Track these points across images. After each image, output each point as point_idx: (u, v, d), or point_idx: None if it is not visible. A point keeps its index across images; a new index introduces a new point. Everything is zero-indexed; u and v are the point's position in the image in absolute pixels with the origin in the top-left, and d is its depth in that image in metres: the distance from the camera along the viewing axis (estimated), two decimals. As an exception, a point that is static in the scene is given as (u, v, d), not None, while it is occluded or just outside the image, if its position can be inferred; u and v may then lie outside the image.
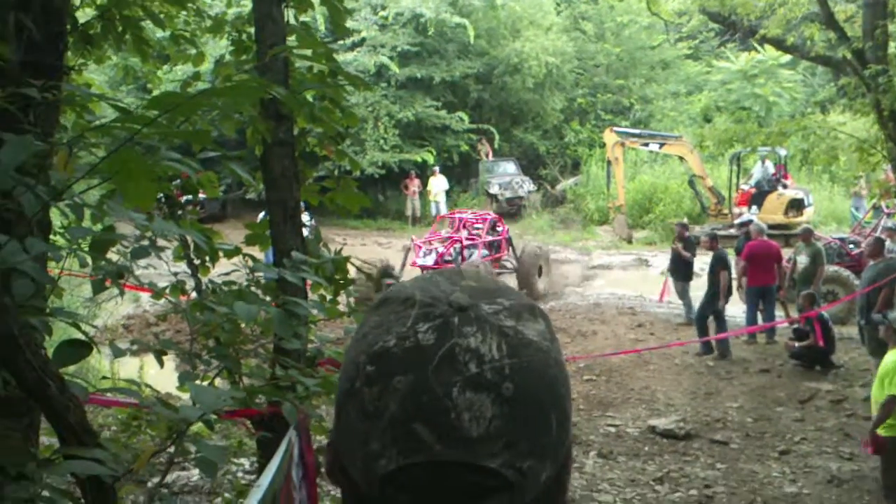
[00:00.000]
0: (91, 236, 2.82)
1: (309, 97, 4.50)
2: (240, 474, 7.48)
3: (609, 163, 21.75)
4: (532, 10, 27.95)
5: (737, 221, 17.17)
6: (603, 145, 23.15)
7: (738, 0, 13.62)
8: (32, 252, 2.00)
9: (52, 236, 2.84)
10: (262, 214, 16.06)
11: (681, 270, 13.36)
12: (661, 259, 17.52)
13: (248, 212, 22.30)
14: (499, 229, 16.93)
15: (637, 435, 9.09)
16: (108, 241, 2.85)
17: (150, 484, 5.81)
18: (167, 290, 3.35)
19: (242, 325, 3.36)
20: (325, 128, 4.55)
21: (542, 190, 26.65)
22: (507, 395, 0.70)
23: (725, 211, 20.07)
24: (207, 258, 3.70)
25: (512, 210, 24.75)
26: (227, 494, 6.89)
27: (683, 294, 13.56)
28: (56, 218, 2.69)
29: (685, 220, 15.54)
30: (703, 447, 8.69)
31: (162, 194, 4.54)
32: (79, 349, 2.19)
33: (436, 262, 14.14)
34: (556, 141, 28.75)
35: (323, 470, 4.80)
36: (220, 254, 3.53)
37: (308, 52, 4.11)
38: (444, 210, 23.56)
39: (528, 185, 26.04)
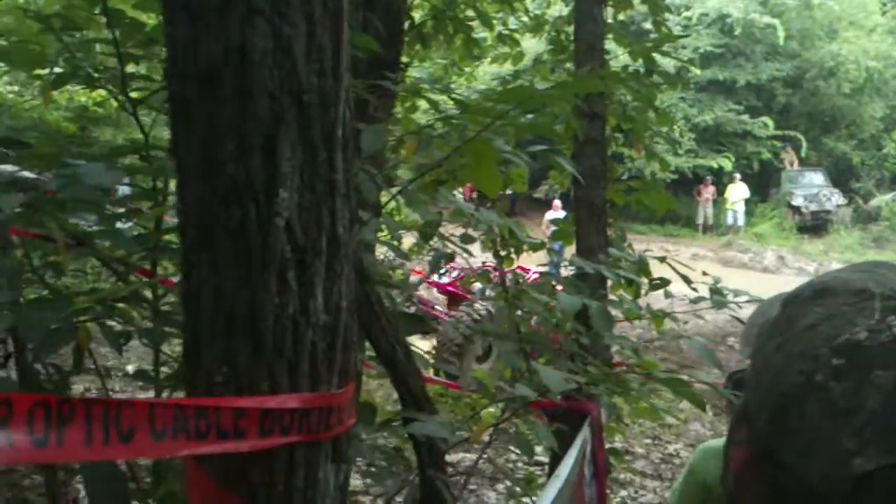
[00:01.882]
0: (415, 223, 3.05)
1: (623, 96, 4.50)
2: (519, 465, 7.64)
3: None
4: (853, 9, 25.66)
5: None
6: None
7: None
8: (369, 235, 2.20)
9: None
10: (549, 213, 16.16)
11: None
12: None
13: (534, 210, 22.75)
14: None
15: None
16: (435, 224, 3.07)
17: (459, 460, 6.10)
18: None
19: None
20: (637, 127, 4.53)
21: (853, 204, 24.36)
22: None
23: None
24: (513, 250, 3.83)
25: (817, 224, 22.92)
26: (507, 482, 7.07)
27: None
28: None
29: None
30: None
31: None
32: (415, 323, 2.38)
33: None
34: (872, 152, 26.16)
35: (611, 469, 4.77)
36: (525, 247, 3.64)
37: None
38: (741, 220, 22.38)
39: (836, 199, 23.95)
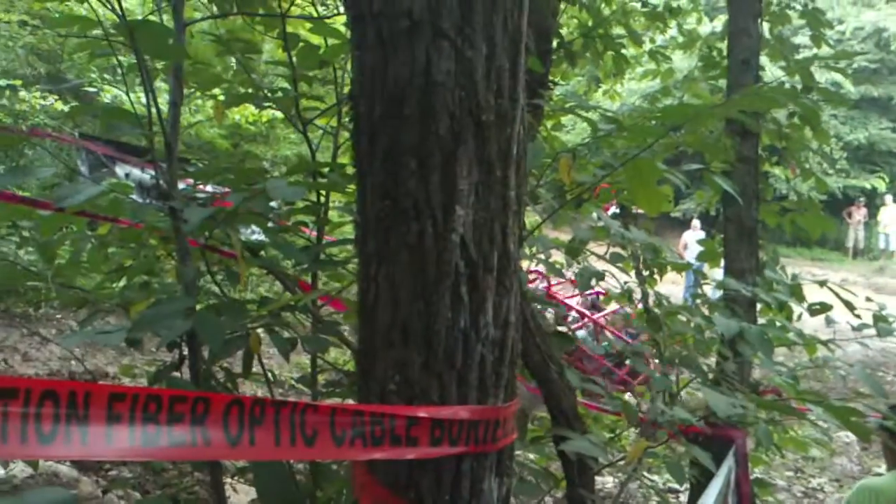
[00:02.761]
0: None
1: (777, 115, 4.34)
2: (651, 492, 7.43)
3: None
4: None
5: None
6: None
7: None
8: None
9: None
10: (687, 233, 15.64)
11: None
12: None
13: (669, 229, 22.15)
14: None
15: None
16: (579, 249, 3.05)
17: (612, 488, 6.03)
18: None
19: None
20: (793, 145, 4.36)
21: None
22: None
23: None
24: (656, 270, 3.75)
25: None
26: (642, 507, 6.89)
27: None
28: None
29: None
30: None
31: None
32: (565, 341, 2.38)
33: None
34: None
35: (755, 501, 4.59)
36: (668, 268, 3.56)
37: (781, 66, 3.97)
38: (894, 244, 21.03)
39: None
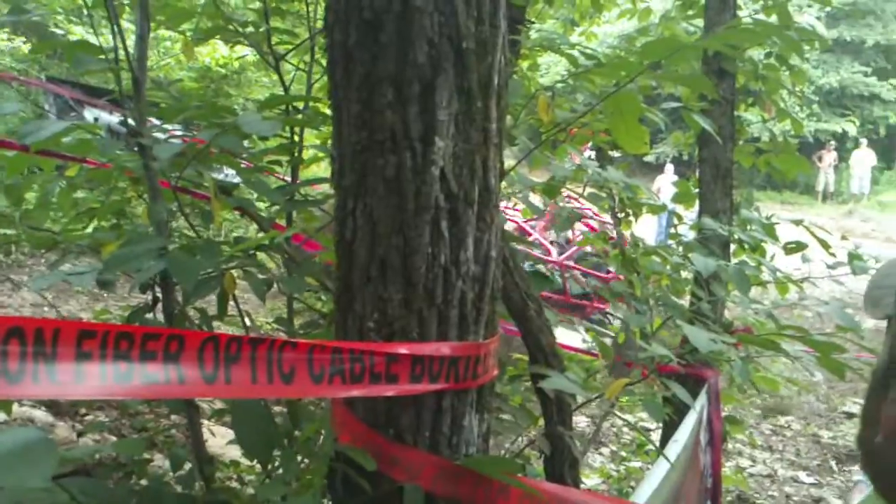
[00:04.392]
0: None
1: (753, 54, 4.31)
2: (624, 430, 7.57)
3: None
4: None
5: None
6: None
7: None
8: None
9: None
10: (660, 177, 15.71)
11: None
12: None
13: (643, 174, 22.21)
14: None
15: None
16: (557, 188, 3.03)
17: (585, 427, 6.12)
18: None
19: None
20: (769, 86, 4.34)
21: None
22: None
23: None
24: (631, 212, 3.75)
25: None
26: (612, 446, 7.02)
27: None
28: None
29: None
30: None
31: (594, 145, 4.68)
32: (544, 281, 2.37)
33: None
34: None
35: (727, 438, 4.67)
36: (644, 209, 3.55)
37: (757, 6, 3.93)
38: (866, 187, 21.26)
39: (970, 166, 22.48)
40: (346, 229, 1.33)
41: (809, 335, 1.90)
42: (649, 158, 21.24)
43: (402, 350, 1.25)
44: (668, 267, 2.87)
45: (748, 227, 3.12)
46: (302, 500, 1.33)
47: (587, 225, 7.06)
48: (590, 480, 5.55)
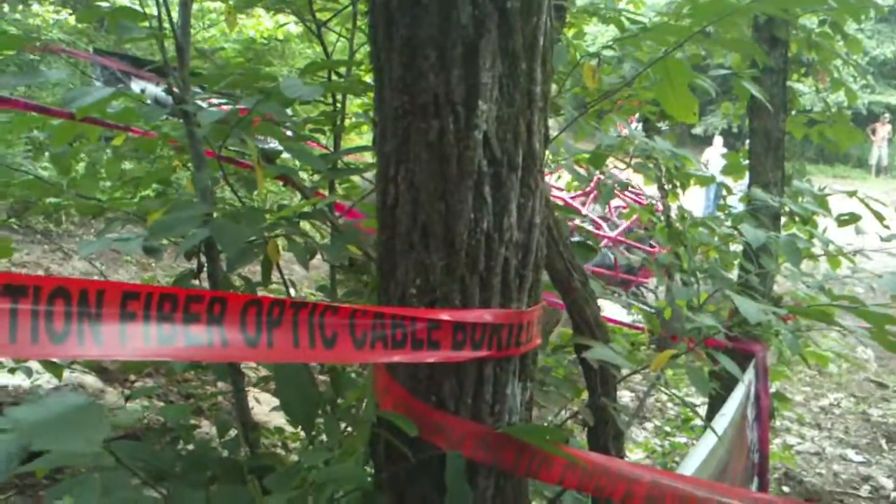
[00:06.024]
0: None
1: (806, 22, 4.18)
2: (669, 405, 7.51)
3: None
4: None
5: None
6: None
7: None
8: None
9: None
10: (709, 150, 15.42)
11: None
12: None
13: (691, 147, 21.83)
14: None
15: None
16: (603, 158, 2.97)
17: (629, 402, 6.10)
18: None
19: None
20: (823, 55, 4.21)
21: None
22: None
23: None
24: (678, 183, 3.67)
25: None
26: (656, 421, 6.97)
27: None
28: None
29: None
30: None
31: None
32: (588, 251, 2.34)
33: None
34: None
35: (774, 414, 4.61)
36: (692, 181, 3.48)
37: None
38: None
39: None
40: (388, 196, 1.31)
41: (864, 305, 1.84)
42: (697, 131, 20.89)
43: (444, 316, 1.24)
44: (716, 238, 2.81)
45: (800, 199, 3.03)
46: (344, 467, 1.33)
47: (635, 200, 6.97)
48: (634, 455, 5.53)
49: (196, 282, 2.12)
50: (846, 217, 2.77)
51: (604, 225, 7.96)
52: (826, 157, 21.99)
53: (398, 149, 1.29)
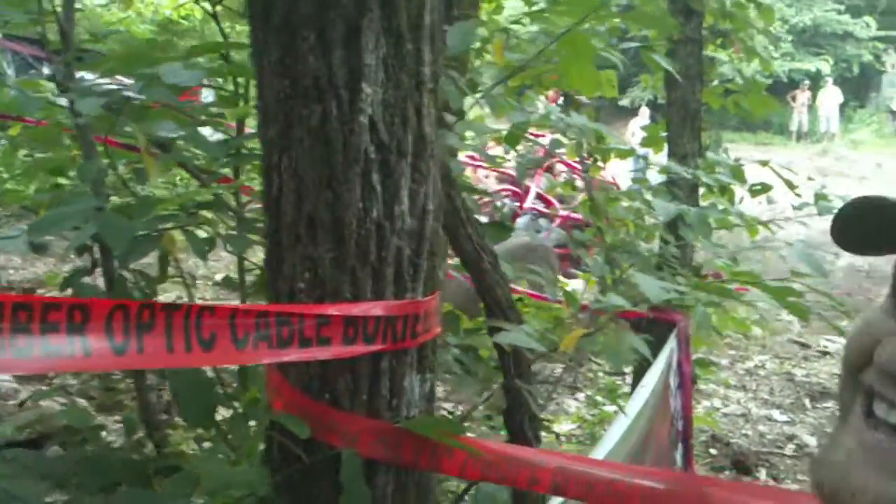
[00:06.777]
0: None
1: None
2: (600, 374, 7.60)
3: None
4: None
5: None
6: None
7: None
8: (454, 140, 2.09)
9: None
10: (635, 121, 15.63)
11: None
12: None
13: (618, 118, 22.05)
14: None
15: None
16: (518, 137, 2.94)
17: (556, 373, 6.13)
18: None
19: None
20: (737, 25, 4.25)
21: (961, 109, 22.94)
22: None
23: None
24: (600, 157, 3.67)
25: (920, 130, 21.75)
26: (588, 391, 7.04)
27: None
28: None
29: None
30: None
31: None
32: (502, 232, 2.30)
33: None
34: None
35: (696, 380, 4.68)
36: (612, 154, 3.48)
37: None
38: (835, 127, 21.26)
39: (942, 103, 22.56)
40: (272, 185, 1.24)
41: (761, 281, 1.85)
42: (624, 102, 21.08)
43: (333, 311, 1.18)
44: (631, 213, 2.81)
45: (715, 170, 3.05)
46: (238, 471, 1.27)
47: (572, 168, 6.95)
48: (565, 425, 5.57)
49: (89, 279, 2.02)
50: (758, 187, 2.79)
51: (556, 203, 7.95)
52: (748, 126, 22.45)
53: (281, 135, 1.22)
